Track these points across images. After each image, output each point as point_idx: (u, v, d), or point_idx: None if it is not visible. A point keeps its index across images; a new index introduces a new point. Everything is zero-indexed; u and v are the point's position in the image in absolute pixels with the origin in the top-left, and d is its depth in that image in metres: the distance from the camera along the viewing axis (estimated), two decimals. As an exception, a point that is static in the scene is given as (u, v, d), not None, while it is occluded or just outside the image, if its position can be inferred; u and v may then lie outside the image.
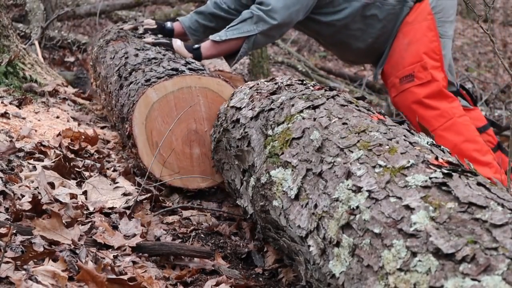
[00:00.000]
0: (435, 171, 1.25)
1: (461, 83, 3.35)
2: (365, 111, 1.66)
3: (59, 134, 2.54)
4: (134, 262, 1.65)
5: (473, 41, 9.96)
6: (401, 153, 1.35)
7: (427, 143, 1.46)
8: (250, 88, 2.09)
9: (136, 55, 2.62)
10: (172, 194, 2.29)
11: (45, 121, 2.75)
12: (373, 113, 1.65)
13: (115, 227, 1.87)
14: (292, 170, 1.56)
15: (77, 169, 2.24)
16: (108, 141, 2.75)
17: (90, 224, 1.81)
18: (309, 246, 1.40)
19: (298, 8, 2.75)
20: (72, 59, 5.26)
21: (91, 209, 1.96)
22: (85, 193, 2.09)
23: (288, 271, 1.80)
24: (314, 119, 1.63)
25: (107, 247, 1.70)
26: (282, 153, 1.62)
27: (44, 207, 1.78)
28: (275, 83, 2.02)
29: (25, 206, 1.77)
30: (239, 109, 2.00)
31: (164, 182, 2.21)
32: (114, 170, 2.36)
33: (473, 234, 1.07)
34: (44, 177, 2.00)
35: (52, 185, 2.02)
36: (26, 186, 1.97)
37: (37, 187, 1.96)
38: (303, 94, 1.79)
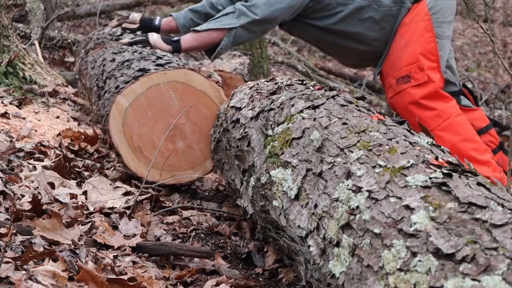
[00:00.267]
0: (435, 171, 1.25)
1: (464, 83, 3.34)
2: (365, 111, 1.66)
3: (59, 134, 2.54)
4: (134, 262, 1.65)
5: (473, 41, 9.96)
6: (401, 153, 1.35)
7: (427, 143, 1.46)
8: (250, 88, 2.09)
9: (113, 60, 2.58)
10: (172, 194, 2.29)
11: (45, 121, 2.75)
12: (373, 113, 1.65)
13: (115, 227, 1.87)
14: (292, 170, 1.56)
15: (77, 169, 2.24)
16: (108, 141, 2.75)
17: (90, 224, 1.81)
18: (309, 246, 1.40)
19: (283, 7, 2.74)
20: (72, 59, 5.25)
21: (91, 209, 1.96)
22: (85, 193, 2.09)
23: (288, 271, 1.80)
24: (314, 119, 1.63)
25: (107, 247, 1.70)
26: (282, 153, 1.62)
27: (44, 207, 1.78)
28: (275, 83, 2.02)
29: (25, 206, 1.77)
30: (239, 109, 2.00)
31: (158, 183, 2.20)
32: (114, 170, 2.36)
33: (473, 234, 1.07)
34: (44, 177, 2.00)
35: (52, 185, 2.02)
36: (26, 186, 1.97)
37: (37, 187, 1.96)
38: (303, 94, 1.79)
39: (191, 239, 1.96)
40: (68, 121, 2.88)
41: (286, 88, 1.95)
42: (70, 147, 2.45)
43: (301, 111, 1.69)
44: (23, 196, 1.87)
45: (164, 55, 2.52)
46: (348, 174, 1.37)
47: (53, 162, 2.19)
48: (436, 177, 1.23)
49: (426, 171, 1.26)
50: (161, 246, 1.77)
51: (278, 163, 1.62)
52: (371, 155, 1.38)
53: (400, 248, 1.13)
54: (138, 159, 2.20)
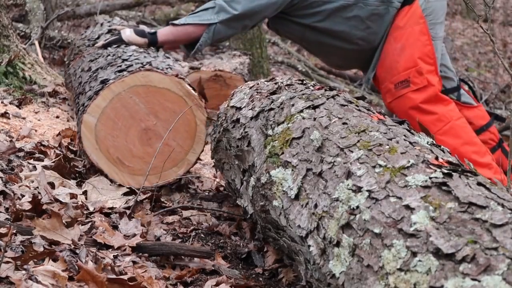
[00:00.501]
0: (435, 171, 1.25)
1: (463, 79, 3.33)
2: (365, 111, 1.66)
3: (59, 134, 2.54)
4: (134, 262, 1.65)
5: (473, 41, 9.96)
6: (401, 153, 1.35)
7: (427, 143, 1.46)
8: (250, 88, 2.09)
9: (89, 69, 2.52)
10: (172, 194, 2.29)
11: (45, 121, 2.75)
12: (373, 113, 1.65)
13: (115, 227, 1.87)
14: (292, 170, 1.56)
15: (77, 169, 2.24)
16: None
17: (90, 224, 1.81)
18: (309, 246, 1.40)
19: (264, 3, 2.72)
20: (72, 59, 5.25)
21: (91, 209, 1.96)
22: (85, 193, 2.09)
23: (288, 271, 1.80)
24: (314, 119, 1.63)
25: (107, 247, 1.70)
26: (282, 153, 1.62)
27: (44, 207, 1.78)
28: (275, 83, 2.02)
29: (25, 206, 1.77)
30: (239, 109, 2.00)
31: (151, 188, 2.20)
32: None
33: (473, 234, 1.07)
34: (44, 177, 2.00)
35: (52, 185, 2.02)
36: (26, 186, 1.97)
37: (37, 187, 1.96)
38: (303, 94, 1.79)
39: (191, 239, 1.96)
40: (68, 120, 2.88)
41: (286, 88, 1.95)
42: (70, 147, 2.45)
43: (301, 111, 1.69)
44: (23, 196, 1.87)
45: (131, 55, 2.47)
46: (348, 174, 1.37)
47: (53, 162, 2.19)
48: (436, 177, 1.23)
49: (426, 171, 1.26)
50: (161, 246, 1.77)
51: (278, 163, 1.62)
52: (371, 155, 1.38)
53: (400, 248, 1.13)
54: (121, 170, 2.19)
